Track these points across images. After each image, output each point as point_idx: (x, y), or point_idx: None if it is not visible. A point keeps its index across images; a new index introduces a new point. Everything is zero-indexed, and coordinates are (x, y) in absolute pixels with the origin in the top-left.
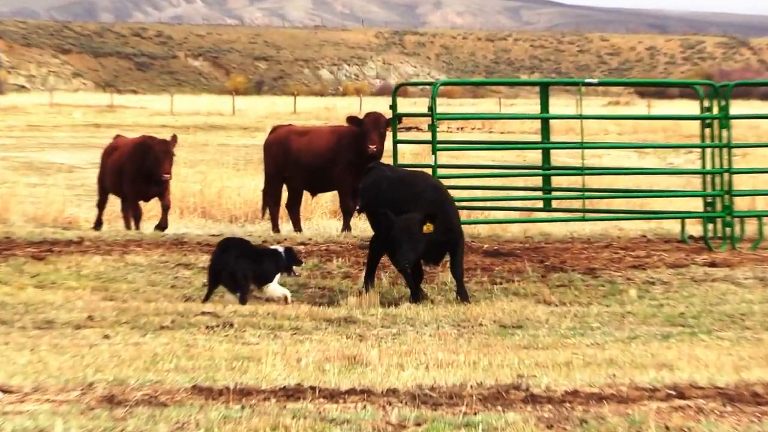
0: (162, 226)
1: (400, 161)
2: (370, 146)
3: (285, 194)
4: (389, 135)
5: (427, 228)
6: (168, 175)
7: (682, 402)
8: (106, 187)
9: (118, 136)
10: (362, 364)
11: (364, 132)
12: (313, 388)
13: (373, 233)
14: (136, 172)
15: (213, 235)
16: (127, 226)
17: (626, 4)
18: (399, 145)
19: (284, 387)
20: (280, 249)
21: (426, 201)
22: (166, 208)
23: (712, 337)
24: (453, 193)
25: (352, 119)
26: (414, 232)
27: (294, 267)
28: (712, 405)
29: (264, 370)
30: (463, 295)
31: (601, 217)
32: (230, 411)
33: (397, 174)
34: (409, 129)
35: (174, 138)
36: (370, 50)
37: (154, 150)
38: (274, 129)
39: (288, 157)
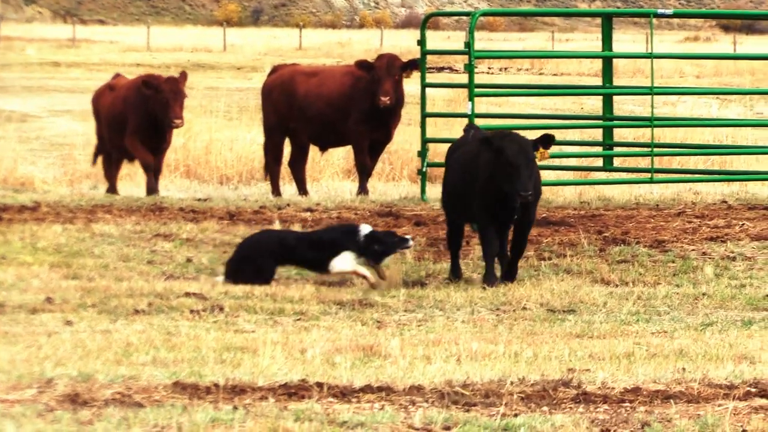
0: (153, 189)
1: (429, 109)
2: (383, 98)
3: (288, 149)
4: (416, 78)
5: (541, 154)
6: (180, 121)
7: (764, 401)
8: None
9: (118, 75)
10: (380, 356)
11: (376, 80)
12: (320, 385)
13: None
14: (139, 120)
15: (198, 200)
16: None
17: None
18: (429, 90)
19: (285, 384)
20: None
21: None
22: (158, 170)
23: None
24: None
25: (361, 64)
26: (530, 157)
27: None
28: None
29: (261, 364)
30: (509, 275)
31: (672, 179)
32: (219, 412)
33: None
34: (441, 70)
35: (183, 75)
36: None
37: (162, 89)
38: (275, 69)
39: (292, 105)
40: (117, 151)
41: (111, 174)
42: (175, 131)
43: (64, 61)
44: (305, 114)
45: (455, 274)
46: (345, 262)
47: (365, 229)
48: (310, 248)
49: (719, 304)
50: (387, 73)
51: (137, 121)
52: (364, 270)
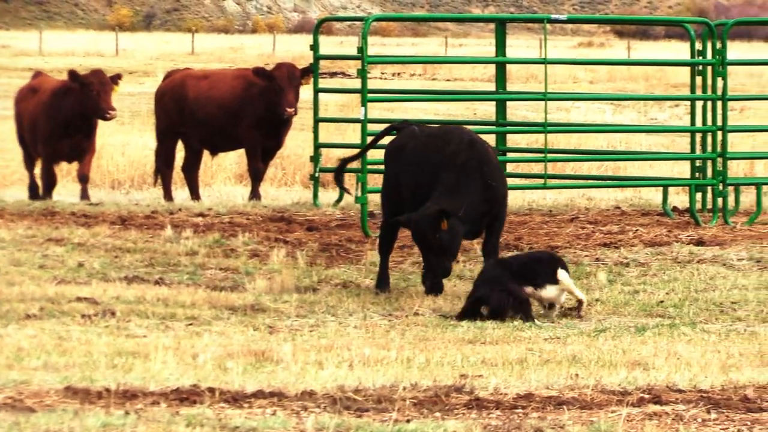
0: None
1: (322, 114)
2: (288, 109)
3: (180, 154)
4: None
5: (444, 225)
6: (114, 111)
7: (657, 408)
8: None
9: (39, 73)
10: (272, 361)
11: (278, 90)
12: (212, 390)
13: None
14: (63, 119)
15: (90, 204)
16: (44, 193)
17: None
18: (321, 95)
19: (177, 389)
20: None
21: (458, 164)
22: (85, 179)
23: (696, 330)
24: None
25: (259, 72)
26: (429, 237)
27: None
28: (694, 411)
29: (153, 369)
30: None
31: (566, 184)
32: (111, 417)
33: (428, 132)
34: (333, 75)
35: (117, 76)
36: None
37: (90, 82)
38: (168, 74)
39: (183, 109)
40: (32, 152)
41: (30, 169)
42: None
43: None
44: (196, 118)
45: (383, 284)
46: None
47: None
48: None
49: (612, 310)
50: (288, 83)
51: (57, 120)
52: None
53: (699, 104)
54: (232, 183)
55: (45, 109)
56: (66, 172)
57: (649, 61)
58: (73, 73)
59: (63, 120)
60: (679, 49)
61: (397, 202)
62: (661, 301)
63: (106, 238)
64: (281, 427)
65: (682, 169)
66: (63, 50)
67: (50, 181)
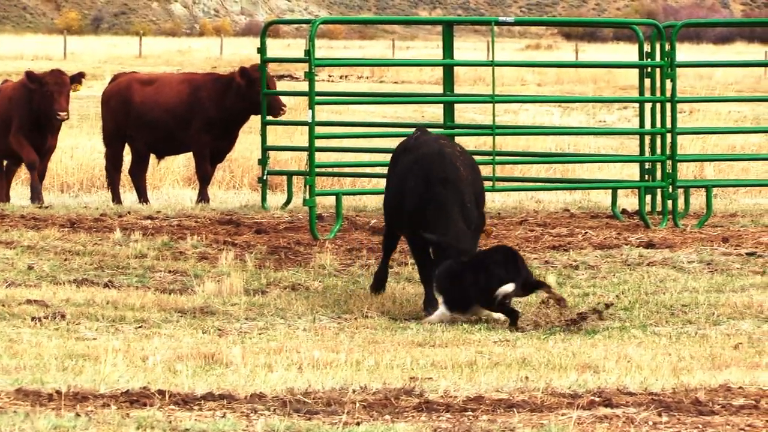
0: (36, 191)
1: (270, 117)
2: (62, 113)
3: (128, 157)
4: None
5: None
6: (65, 113)
7: (608, 411)
8: None
9: (5, 81)
10: (222, 363)
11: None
12: (162, 393)
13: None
14: (24, 118)
15: (39, 207)
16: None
17: None
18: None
19: (127, 391)
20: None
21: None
22: (41, 176)
23: (646, 332)
24: (334, 156)
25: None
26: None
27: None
28: (645, 414)
29: (103, 371)
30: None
31: (514, 187)
32: (62, 419)
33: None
34: (281, 78)
35: (80, 75)
36: None
37: (46, 82)
38: (114, 77)
39: (129, 112)
40: (5, 156)
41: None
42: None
43: None
44: (142, 122)
45: (380, 285)
46: None
47: None
48: None
49: (562, 313)
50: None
51: (22, 119)
52: None
53: (648, 106)
54: (181, 186)
55: (10, 104)
56: (16, 175)
57: (598, 63)
58: (30, 74)
59: (23, 115)
60: (628, 51)
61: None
62: (611, 304)
63: (56, 240)
64: (231, 429)
65: (632, 172)
66: (11, 54)
67: (33, 164)
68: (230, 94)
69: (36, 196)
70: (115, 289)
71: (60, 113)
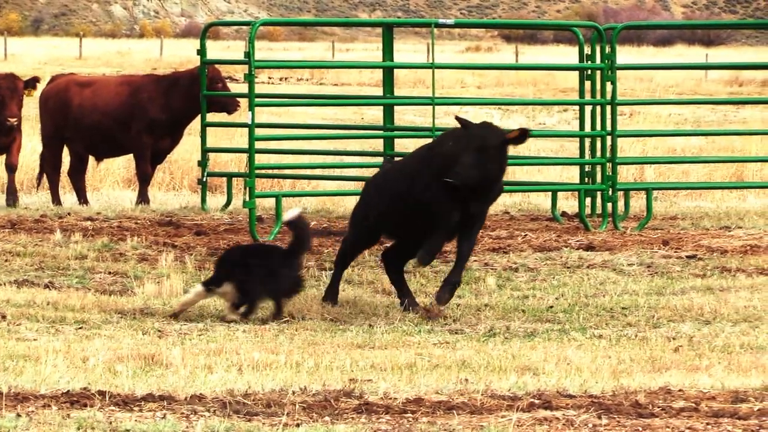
0: (12, 194)
1: (210, 118)
2: (10, 119)
3: (67, 158)
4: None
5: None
6: (14, 120)
7: (548, 413)
8: None
9: None
10: (162, 365)
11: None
12: (102, 393)
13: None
14: None
15: None
16: None
17: None
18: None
19: (68, 392)
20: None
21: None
22: (12, 169)
23: (586, 335)
24: (274, 158)
25: None
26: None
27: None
28: (585, 417)
29: (43, 372)
30: (442, 296)
31: None
32: (3, 420)
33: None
34: None
35: (35, 79)
36: None
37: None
38: (53, 79)
39: (67, 115)
40: None
41: None
42: None
43: None
44: (80, 124)
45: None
46: None
47: None
48: None
49: (502, 315)
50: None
51: None
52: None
53: (588, 109)
54: (121, 187)
55: None
56: None
57: (538, 66)
58: None
59: None
60: (568, 54)
61: None
62: (551, 307)
63: None
64: (171, 430)
65: (572, 174)
66: None
67: None
68: (174, 94)
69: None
70: (55, 290)
71: (9, 119)
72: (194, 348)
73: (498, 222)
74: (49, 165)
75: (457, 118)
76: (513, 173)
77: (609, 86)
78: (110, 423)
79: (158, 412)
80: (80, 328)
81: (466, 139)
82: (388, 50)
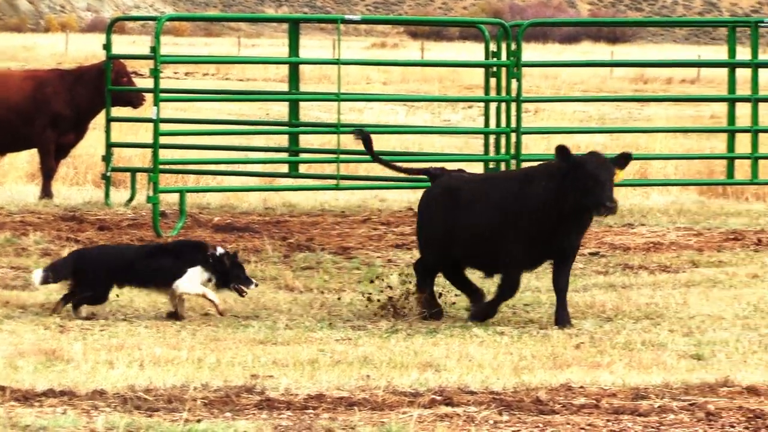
0: None
1: (114, 113)
2: None
3: None
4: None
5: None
6: None
7: (449, 409)
8: None
9: None
10: (63, 360)
11: None
12: (2, 389)
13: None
14: None
15: None
16: None
17: None
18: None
19: None
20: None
21: None
22: None
23: (488, 332)
24: (178, 153)
25: None
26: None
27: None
28: (486, 413)
29: None
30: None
31: (358, 185)
32: None
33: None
34: None
35: None
36: None
37: None
38: None
39: None
40: None
41: None
42: None
43: None
44: None
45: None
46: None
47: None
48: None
49: (405, 312)
50: None
51: None
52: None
53: (493, 106)
54: (24, 182)
55: None
56: None
57: (443, 63)
58: None
59: None
60: (474, 50)
61: None
62: (453, 303)
63: None
64: (72, 425)
65: (477, 171)
66: None
67: None
68: (79, 89)
69: None
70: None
71: None
72: (96, 343)
73: (401, 218)
74: None
75: (561, 149)
76: None
77: (514, 83)
78: (10, 418)
79: (59, 407)
80: None
81: (602, 168)
82: (294, 46)
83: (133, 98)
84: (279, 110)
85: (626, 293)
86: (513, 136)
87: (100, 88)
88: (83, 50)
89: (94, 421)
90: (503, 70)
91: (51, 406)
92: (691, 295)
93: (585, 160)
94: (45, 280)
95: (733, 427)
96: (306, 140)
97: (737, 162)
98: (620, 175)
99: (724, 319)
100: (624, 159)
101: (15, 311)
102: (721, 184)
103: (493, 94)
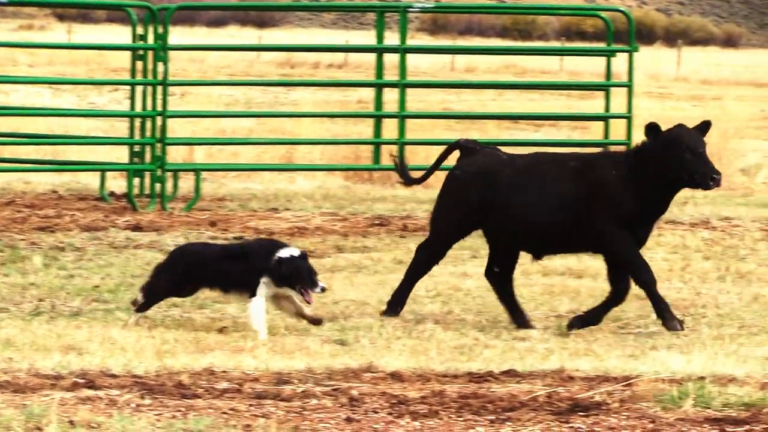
0: None
1: None
2: None
3: None
4: None
5: None
6: None
7: (91, 392)
8: None
9: None
10: None
11: None
12: None
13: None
14: None
15: None
16: None
17: None
18: None
19: None
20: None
21: None
22: None
23: (130, 315)
24: None
25: None
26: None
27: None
28: (128, 396)
29: None
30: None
31: (3, 168)
32: None
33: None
34: None
35: None
36: None
37: None
38: None
39: None
40: None
41: None
42: None
43: None
44: None
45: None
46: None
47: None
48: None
49: (48, 294)
50: None
51: None
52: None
53: (139, 89)
54: None
55: None
56: None
57: (89, 45)
58: None
59: None
60: (122, 33)
61: None
62: (97, 286)
63: None
64: None
65: (122, 154)
66: None
67: None
68: None
69: None
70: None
71: None
72: None
73: (46, 201)
74: None
75: (653, 126)
76: (63, 153)
77: (161, 66)
78: None
79: None
80: None
81: (698, 140)
82: None
83: None
84: None
85: None
86: (159, 119)
87: None
88: None
89: None
90: (150, 53)
91: None
92: (336, 281)
93: (680, 133)
94: None
95: (376, 412)
96: None
97: (383, 147)
98: None
99: (369, 304)
100: (706, 126)
101: None
102: (367, 169)
103: (139, 77)
